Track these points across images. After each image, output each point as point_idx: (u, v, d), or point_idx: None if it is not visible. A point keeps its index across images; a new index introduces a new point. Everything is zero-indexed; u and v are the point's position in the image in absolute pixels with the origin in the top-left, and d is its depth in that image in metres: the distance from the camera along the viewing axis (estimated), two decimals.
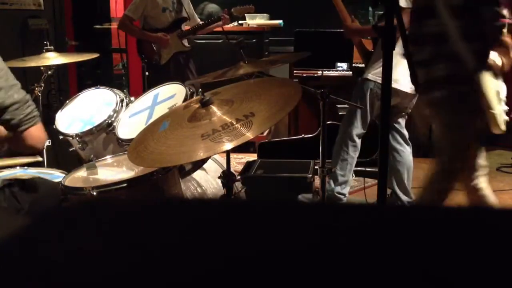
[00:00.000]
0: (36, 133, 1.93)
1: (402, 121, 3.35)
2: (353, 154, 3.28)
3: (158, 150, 1.75)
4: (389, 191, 3.27)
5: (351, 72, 4.97)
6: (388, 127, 1.73)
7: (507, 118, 2.27)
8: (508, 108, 2.30)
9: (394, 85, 3.01)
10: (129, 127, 2.45)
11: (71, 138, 2.57)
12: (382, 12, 3.35)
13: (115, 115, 2.56)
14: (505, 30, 2.24)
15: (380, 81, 3.02)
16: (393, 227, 0.40)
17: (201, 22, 4.55)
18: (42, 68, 3.05)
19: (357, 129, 3.24)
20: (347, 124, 3.28)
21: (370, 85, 3.16)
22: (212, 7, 6.39)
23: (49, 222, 0.44)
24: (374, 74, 3.16)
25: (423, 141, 5.23)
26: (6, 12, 4.48)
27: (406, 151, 3.33)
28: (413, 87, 3.15)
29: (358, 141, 3.28)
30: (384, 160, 1.78)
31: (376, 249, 0.36)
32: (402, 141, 3.32)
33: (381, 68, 3.01)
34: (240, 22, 5.40)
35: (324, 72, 4.84)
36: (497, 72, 2.23)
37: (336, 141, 3.34)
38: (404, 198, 3.30)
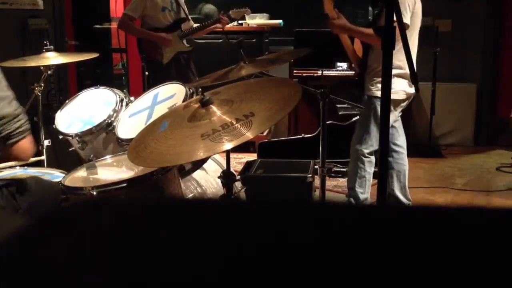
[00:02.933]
0: (23, 147, 1.94)
1: (399, 123, 3.33)
2: (370, 169, 3.21)
3: (158, 150, 1.75)
4: None
5: (351, 72, 4.97)
6: (388, 127, 1.74)
7: None
8: None
9: (401, 95, 3.04)
10: (129, 127, 2.45)
11: (70, 138, 2.57)
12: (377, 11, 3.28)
13: (114, 115, 2.56)
14: None
15: (391, 97, 3.03)
16: (393, 227, 0.40)
17: (195, 25, 4.54)
18: (42, 68, 3.05)
19: (371, 147, 3.16)
20: (359, 142, 3.19)
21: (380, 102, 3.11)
22: (209, 8, 6.39)
23: (49, 222, 0.44)
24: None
25: (423, 141, 5.24)
26: (6, 12, 4.48)
27: (404, 152, 3.31)
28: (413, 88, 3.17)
29: (373, 157, 3.21)
30: (384, 160, 1.78)
31: (375, 249, 0.36)
32: (399, 143, 3.29)
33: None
34: (240, 22, 5.40)
35: (324, 72, 4.84)
36: None
37: (351, 160, 3.27)
38: (403, 200, 3.28)
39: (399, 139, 3.28)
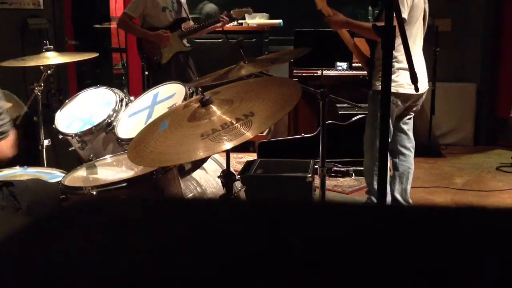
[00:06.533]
0: (3, 147, 1.94)
1: (410, 123, 3.30)
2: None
3: (157, 149, 1.75)
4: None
5: (351, 72, 4.97)
6: (388, 127, 1.74)
7: None
8: None
9: (409, 90, 3.01)
10: (128, 126, 2.45)
11: (70, 138, 2.57)
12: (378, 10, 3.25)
13: (114, 114, 2.55)
14: None
15: (394, 91, 3.01)
16: (392, 227, 0.40)
17: (195, 25, 4.54)
18: (41, 67, 3.05)
19: None
20: (372, 140, 3.14)
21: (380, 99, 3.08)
22: (210, 7, 6.39)
23: (49, 222, 0.44)
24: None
25: (423, 141, 5.23)
26: (6, 12, 4.48)
27: (411, 155, 3.29)
28: (426, 85, 3.16)
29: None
30: (384, 160, 1.78)
31: (374, 249, 0.36)
32: (409, 145, 3.27)
33: (393, 76, 3.03)
34: (240, 21, 5.40)
35: (324, 72, 4.84)
36: None
37: (365, 159, 3.25)
38: (403, 203, 3.26)
39: (409, 142, 3.27)
